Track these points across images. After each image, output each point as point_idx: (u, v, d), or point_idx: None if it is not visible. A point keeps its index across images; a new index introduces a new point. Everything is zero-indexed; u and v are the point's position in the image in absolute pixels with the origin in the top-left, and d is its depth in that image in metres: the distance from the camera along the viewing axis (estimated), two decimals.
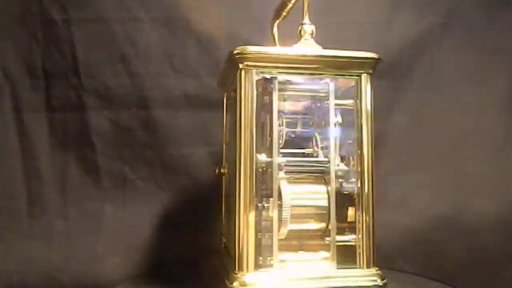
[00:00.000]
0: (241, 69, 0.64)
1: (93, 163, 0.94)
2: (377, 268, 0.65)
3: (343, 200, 0.68)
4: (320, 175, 0.69)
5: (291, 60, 0.65)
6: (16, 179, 0.92)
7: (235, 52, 0.64)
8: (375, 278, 0.64)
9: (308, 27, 0.68)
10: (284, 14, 0.73)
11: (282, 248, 0.65)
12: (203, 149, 0.94)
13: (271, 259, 0.64)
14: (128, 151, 0.95)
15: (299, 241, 0.69)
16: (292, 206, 0.65)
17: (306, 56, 0.65)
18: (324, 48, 0.68)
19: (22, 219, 0.91)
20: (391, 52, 0.95)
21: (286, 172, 0.68)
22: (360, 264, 0.65)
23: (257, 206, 0.64)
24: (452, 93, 0.97)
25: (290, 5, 0.71)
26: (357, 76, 0.67)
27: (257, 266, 0.63)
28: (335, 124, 0.67)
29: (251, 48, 0.64)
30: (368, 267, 0.65)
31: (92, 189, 0.94)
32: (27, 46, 0.95)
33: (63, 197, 0.93)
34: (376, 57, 0.66)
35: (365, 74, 0.66)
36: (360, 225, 0.65)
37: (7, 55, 0.94)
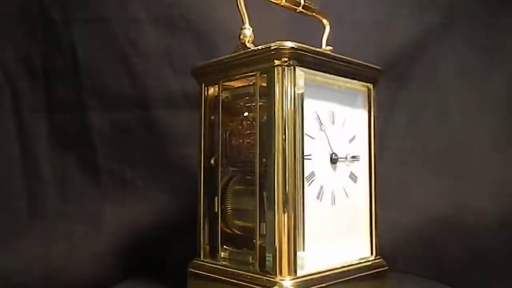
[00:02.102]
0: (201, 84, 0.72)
1: (93, 163, 0.94)
2: (293, 277, 0.59)
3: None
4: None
5: (229, 66, 0.67)
6: (16, 179, 0.92)
7: (194, 69, 0.73)
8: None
9: (247, 32, 0.67)
10: None
11: (237, 243, 0.70)
12: None
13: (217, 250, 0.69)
14: (128, 151, 0.95)
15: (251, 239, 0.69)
16: (233, 206, 0.70)
17: (235, 58, 0.66)
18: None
19: (22, 219, 0.91)
20: (391, 52, 0.95)
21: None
22: (276, 271, 0.59)
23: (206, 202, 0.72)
24: (452, 93, 0.96)
25: None
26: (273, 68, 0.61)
27: (208, 253, 0.71)
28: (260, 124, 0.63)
29: (199, 65, 0.72)
30: (277, 274, 0.59)
31: (92, 189, 0.94)
32: (27, 46, 0.94)
33: (63, 197, 0.93)
34: (292, 46, 0.59)
35: (278, 66, 0.60)
36: (271, 227, 0.60)
37: (7, 55, 0.94)
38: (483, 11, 0.96)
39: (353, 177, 0.73)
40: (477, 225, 0.92)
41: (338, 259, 0.68)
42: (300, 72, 0.61)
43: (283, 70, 0.60)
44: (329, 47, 0.74)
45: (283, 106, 0.60)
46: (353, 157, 0.72)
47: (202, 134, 0.73)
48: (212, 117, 0.72)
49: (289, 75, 0.60)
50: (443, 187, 0.95)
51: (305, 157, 0.62)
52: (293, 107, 0.60)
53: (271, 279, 0.59)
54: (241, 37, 0.67)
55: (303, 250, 0.61)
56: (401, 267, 0.90)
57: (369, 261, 0.72)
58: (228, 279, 0.65)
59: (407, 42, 0.96)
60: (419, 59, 0.97)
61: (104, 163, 0.94)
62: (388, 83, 0.95)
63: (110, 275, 0.87)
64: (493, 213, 0.92)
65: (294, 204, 0.60)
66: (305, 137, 0.62)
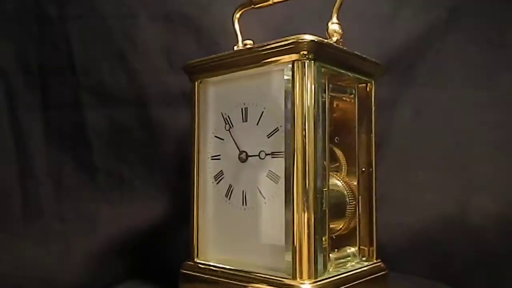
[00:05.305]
0: None
1: (89, 162, 0.93)
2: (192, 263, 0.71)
3: None
4: None
5: None
6: (11, 178, 0.91)
7: None
8: None
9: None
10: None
11: None
12: None
13: None
14: (125, 150, 0.94)
15: None
16: None
17: None
18: None
19: (17, 219, 0.90)
20: (395, 48, 0.94)
21: None
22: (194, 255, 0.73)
23: None
24: (457, 89, 0.95)
25: None
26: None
27: None
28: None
29: None
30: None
31: (88, 189, 0.93)
32: (22, 43, 0.94)
33: (58, 197, 0.92)
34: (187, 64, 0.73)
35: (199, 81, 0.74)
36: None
37: (2, 53, 0.93)
38: (488, 6, 0.95)
39: (273, 176, 0.63)
40: (482, 225, 0.91)
41: (243, 261, 0.66)
42: (197, 83, 0.74)
43: (197, 83, 0.74)
44: (249, 41, 0.71)
45: (196, 114, 0.73)
46: (272, 153, 0.63)
47: None
48: None
49: (196, 89, 0.74)
50: (447, 186, 0.93)
51: (212, 157, 0.72)
52: (197, 114, 0.73)
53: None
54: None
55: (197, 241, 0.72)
56: (405, 267, 0.89)
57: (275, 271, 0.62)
58: None
59: (412, 37, 0.95)
60: (423, 55, 0.96)
61: (101, 162, 0.93)
62: (392, 79, 0.94)
63: (107, 275, 0.86)
64: (498, 212, 0.91)
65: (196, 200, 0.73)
66: (215, 139, 0.71)
